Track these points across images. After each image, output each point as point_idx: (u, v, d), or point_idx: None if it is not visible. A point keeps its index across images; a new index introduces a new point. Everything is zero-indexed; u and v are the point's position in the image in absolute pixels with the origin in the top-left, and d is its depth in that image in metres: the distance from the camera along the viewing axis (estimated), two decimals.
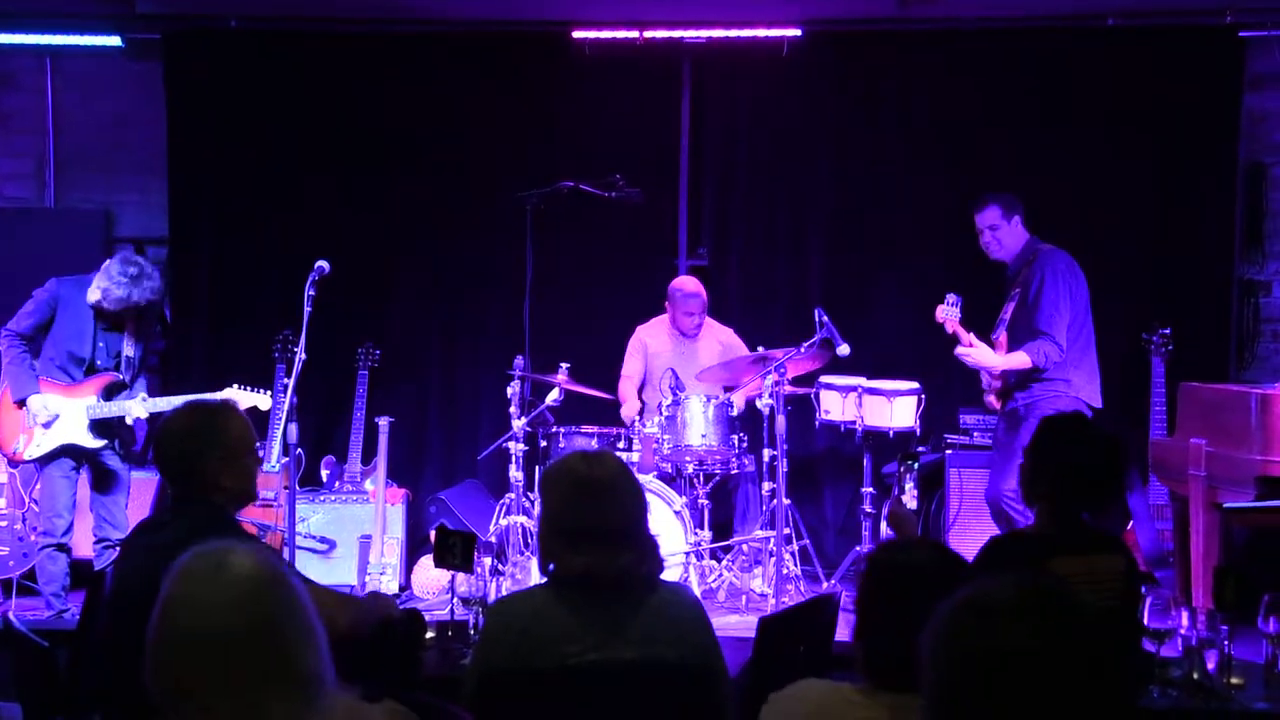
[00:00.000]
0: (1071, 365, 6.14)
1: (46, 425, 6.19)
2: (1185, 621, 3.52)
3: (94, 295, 6.17)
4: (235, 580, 2.02)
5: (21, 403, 6.21)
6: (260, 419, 6.71)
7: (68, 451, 6.26)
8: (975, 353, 6.16)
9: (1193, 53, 7.49)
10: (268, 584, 2.05)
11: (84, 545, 6.49)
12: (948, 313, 6.19)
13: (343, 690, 2.11)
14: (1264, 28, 7.34)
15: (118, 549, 6.21)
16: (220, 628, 1.99)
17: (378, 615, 3.48)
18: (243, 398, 6.36)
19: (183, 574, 2.06)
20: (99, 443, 6.27)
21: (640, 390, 7.49)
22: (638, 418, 7.11)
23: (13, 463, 6.44)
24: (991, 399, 6.37)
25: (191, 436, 3.46)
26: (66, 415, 6.22)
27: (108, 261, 6.24)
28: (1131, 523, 6.58)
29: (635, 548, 3.12)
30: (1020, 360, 6.07)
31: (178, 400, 6.23)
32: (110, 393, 6.28)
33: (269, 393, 6.54)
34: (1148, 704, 3.41)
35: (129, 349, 6.34)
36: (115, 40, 7.97)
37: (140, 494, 7.06)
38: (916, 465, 4.19)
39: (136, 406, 6.26)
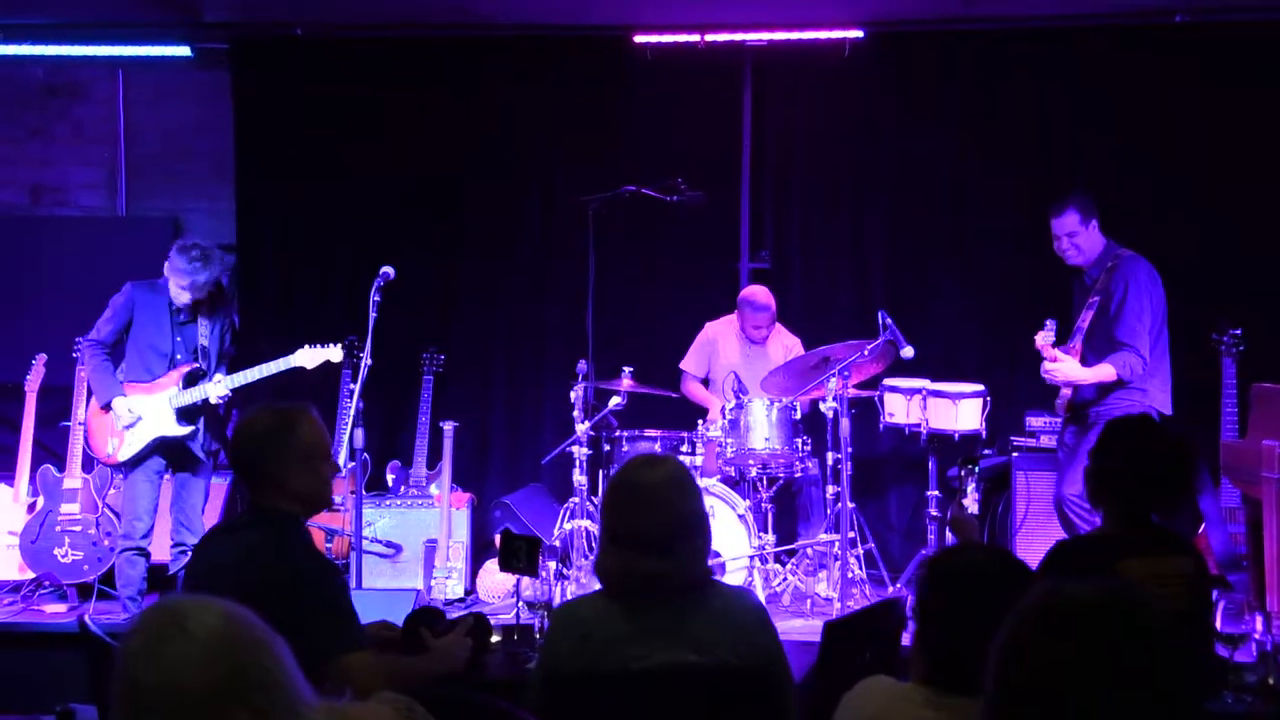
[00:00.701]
0: (1149, 375, 6.08)
1: (129, 427, 6.31)
2: (1259, 626, 3.48)
3: (181, 295, 6.31)
4: (167, 647, 1.89)
5: (107, 407, 6.33)
6: (328, 422, 6.76)
7: (158, 449, 6.38)
8: (1062, 368, 6.04)
9: (1261, 48, 7.37)
10: (232, 639, 1.92)
11: (160, 550, 6.58)
12: (1045, 338, 6.08)
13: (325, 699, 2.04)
14: None
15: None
16: (185, 684, 1.88)
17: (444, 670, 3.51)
18: (314, 355, 6.49)
19: (141, 629, 1.94)
20: (186, 429, 6.39)
21: (705, 387, 7.50)
22: (701, 421, 7.09)
23: (107, 465, 6.55)
24: (1061, 412, 6.27)
25: (264, 438, 3.48)
26: (151, 412, 6.34)
27: (169, 259, 6.34)
28: (1203, 525, 6.49)
29: (687, 550, 3.12)
30: (1106, 373, 6.00)
31: (254, 372, 6.37)
32: (190, 381, 6.39)
33: (339, 345, 6.60)
34: (1222, 709, 3.38)
35: (204, 339, 6.46)
36: (184, 50, 8.08)
37: (212, 498, 7.15)
38: (977, 469, 4.15)
39: (214, 387, 6.37)
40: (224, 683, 1.88)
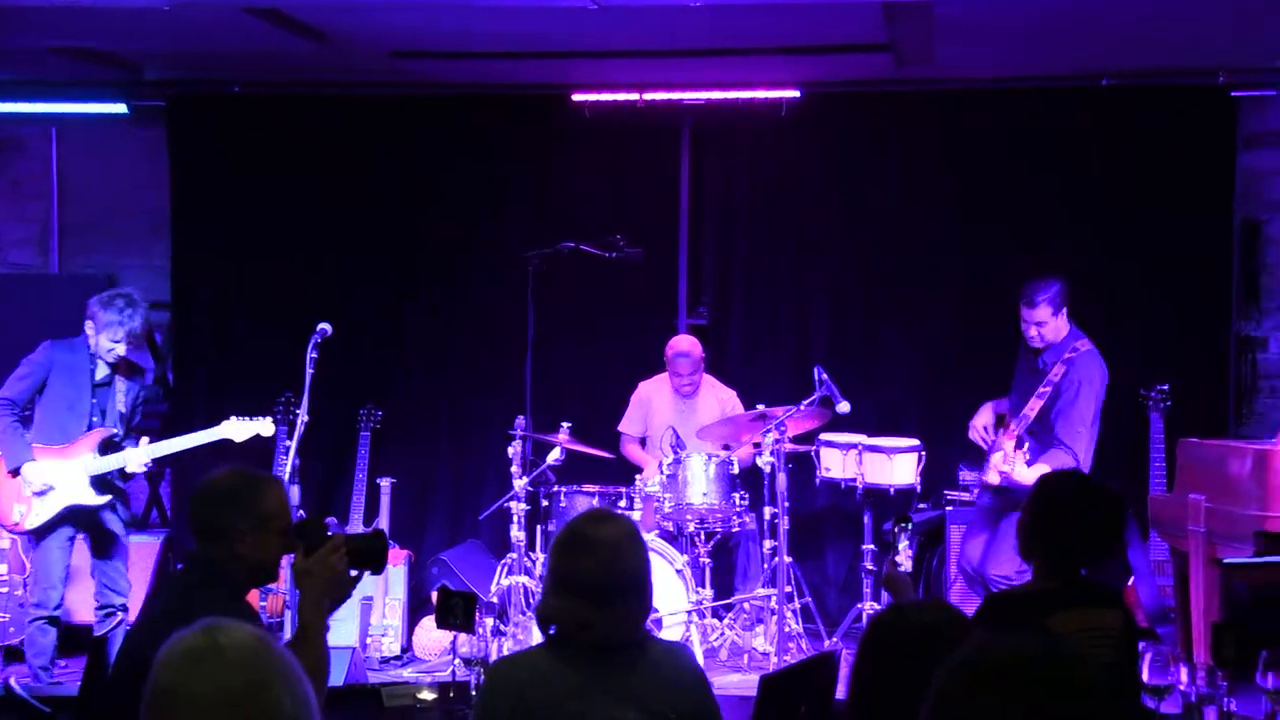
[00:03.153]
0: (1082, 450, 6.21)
1: (40, 494, 6.12)
2: (1184, 677, 3.52)
3: (116, 349, 6.15)
4: (215, 666, 1.95)
5: (15, 471, 6.13)
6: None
7: (69, 517, 6.19)
8: (1014, 470, 6.15)
9: (1187, 113, 7.55)
10: (262, 663, 1.98)
11: (82, 610, 6.48)
12: (990, 428, 6.20)
13: None
14: (1257, 88, 7.40)
15: (120, 614, 6.22)
16: (191, 711, 1.92)
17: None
18: (242, 428, 6.34)
19: (169, 649, 1.99)
20: (102, 499, 6.20)
21: (641, 446, 7.52)
22: (638, 476, 7.11)
23: (14, 533, 6.39)
24: (994, 476, 6.35)
25: (227, 498, 3.42)
26: (64, 479, 6.15)
27: (93, 313, 6.17)
28: (1133, 579, 6.57)
29: (631, 607, 3.14)
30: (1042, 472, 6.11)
31: (177, 442, 6.25)
32: (107, 448, 6.23)
33: (269, 419, 6.47)
34: None
35: (121, 404, 6.30)
36: (121, 108, 8.05)
37: (143, 558, 7.07)
38: (910, 526, 4.20)
39: (136, 454, 6.22)
40: (253, 705, 1.92)
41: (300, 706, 1.97)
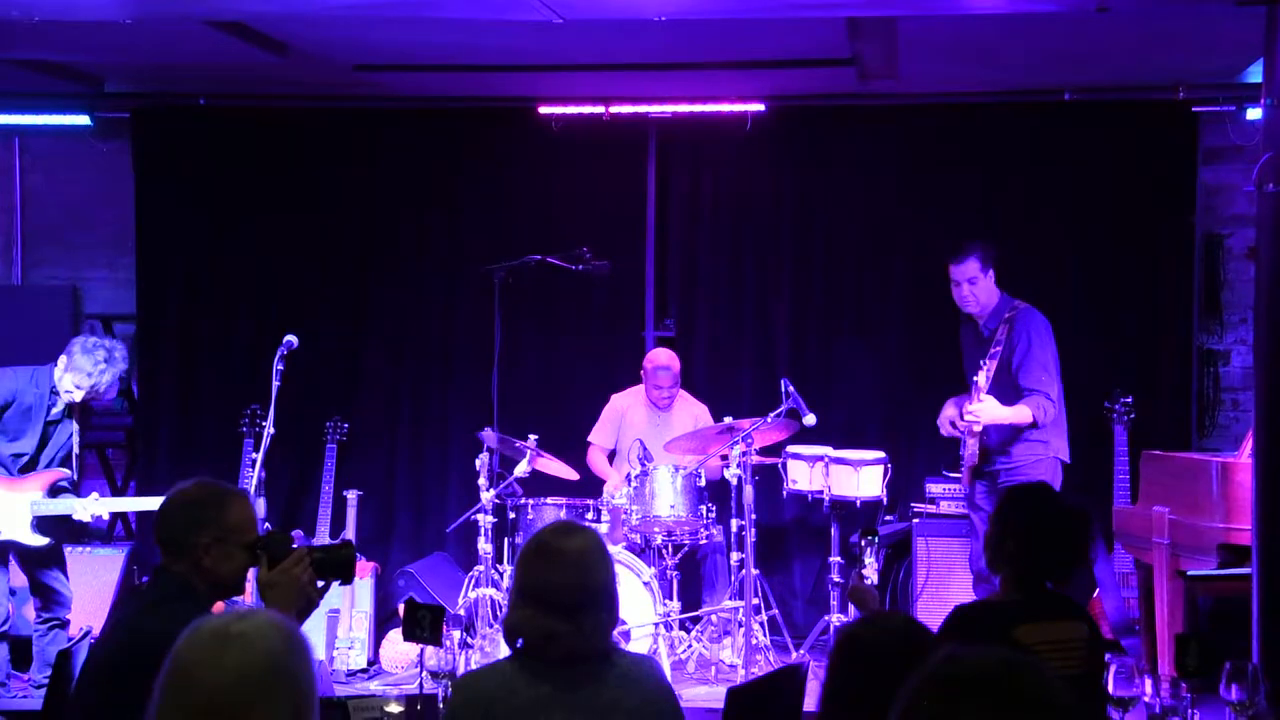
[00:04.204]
0: (1052, 425, 6.24)
1: None
2: (1149, 689, 3.55)
3: (74, 393, 6.03)
4: (232, 648, 2.03)
5: None
6: None
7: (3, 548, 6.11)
8: (985, 409, 6.16)
9: (1148, 127, 7.62)
10: (267, 660, 2.05)
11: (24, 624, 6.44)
12: (984, 379, 6.18)
13: None
14: (1216, 103, 7.47)
15: (64, 626, 6.15)
16: (209, 690, 1.99)
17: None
18: None
19: (191, 632, 2.06)
20: (40, 541, 6.07)
21: (610, 459, 7.52)
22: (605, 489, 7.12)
23: None
24: (966, 474, 6.37)
25: (192, 507, 3.41)
26: (7, 512, 6.03)
27: (70, 351, 6.08)
28: (1097, 591, 6.62)
29: (598, 619, 3.14)
30: (1022, 415, 6.15)
31: (129, 502, 6.16)
32: (56, 491, 6.13)
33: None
34: None
35: (76, 445, 6.20)
36: (84, 119, 8.00)
37: (107, 570, 7.02)
38: (876, 539, 4.22)
39: (85, 504, 6.09)
40: (270, 693, 2.01)
41: (314, 685, 2.06)
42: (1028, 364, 6.22)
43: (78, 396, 6.09)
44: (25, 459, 6.14)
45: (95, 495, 6.22)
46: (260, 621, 2.09)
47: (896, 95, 7.67)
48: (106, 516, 6.14)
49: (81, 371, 6.04)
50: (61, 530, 6.24)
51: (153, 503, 6.02)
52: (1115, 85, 7.50)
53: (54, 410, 6.16)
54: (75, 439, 6.21)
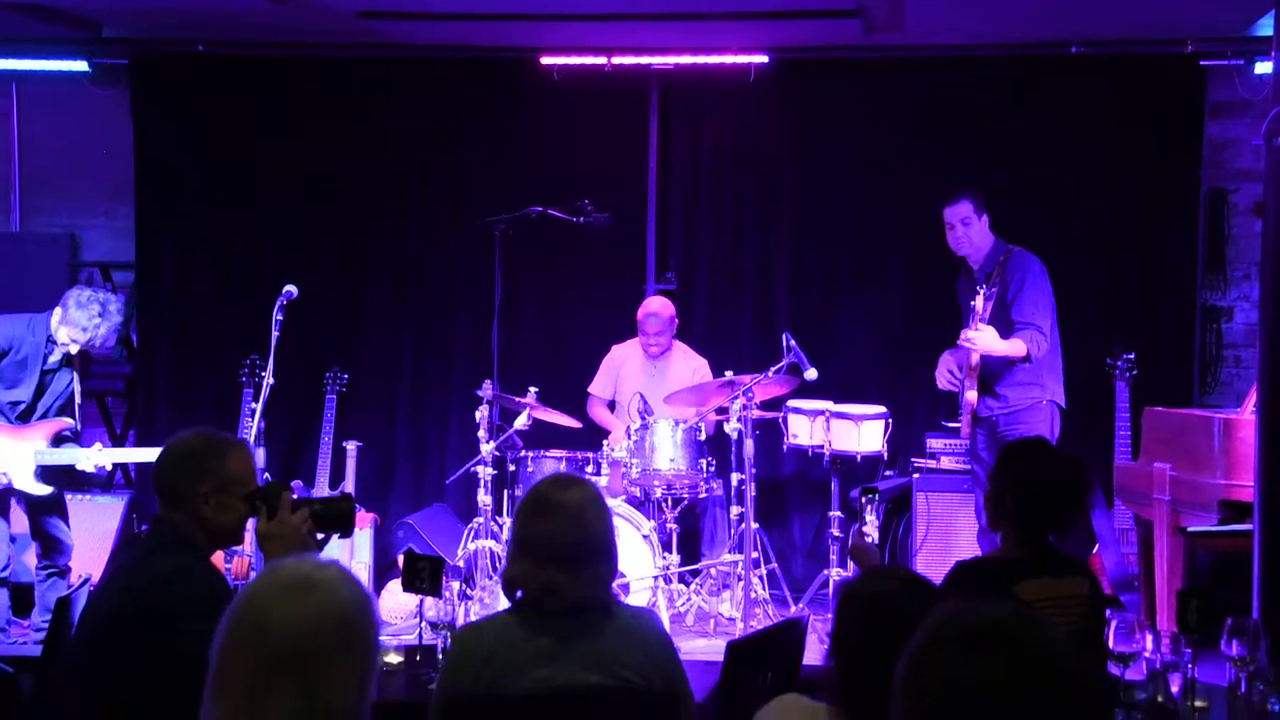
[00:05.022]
0: (1045, 369, 6.23)
1: None
2: (1149, 645, 3.54)
3: (69, 345, 6.06)
4: (312, 597, 2.02)
5: None
6: None
7: (5, 492, 6.13)
8: (982, 336, 6.13)
9: (1155, 81, 7.57)
10: (343, 611, 2.04)
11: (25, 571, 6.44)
12: (981, 301, 6.14)
13: None
14: (1224, 57, 7.41)
15: (65, 574, 6.18)
16: (282, 635, 1.98)
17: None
18: None
19: (266, 574, 2.06)
20: (44, 490, 6.10)
21: (611, 409, 7.52)
22: (605, 442, 7.11)
23: None
24: (966, 421, 6.35)
25: (191, 457, 3.41)
26: (9, 459, 6.05)
27: (65, 304, 6.08)
28: (1097, 547, 6.62)
29: (596, 571, 3.14)
30: (1017, 348, 6.13)
31: (133, 453, 6.16)
32: (59, 441, 6.14)
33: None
34: None
35: (78, 393, 6.22)
36: (82, 65, 7.94)
37: (106, 519, 7.02)
38: (876, 496, 4.21)
39: (90, 455, 6.11)
40: (336, 645, 2.00)
41: (379, 641, 2.09)
42: (1020, 299, 6.21)
43: (74, 349, 6.10)
44: (22, 407, 6.15)
45: (99, 445, 6.21)
46: (337, 573, 2.08)
47: (901, 48, 7.61)
48: (109, 467, 6.13)
49: (76, 325, 6.05)
50: (63, 479, 6.25)
51: (155, 454, 6.07)
52: (1122, 39, 7.44)
53: (50, 359, 6.16)
54: (76, 387, 6.22)
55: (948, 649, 1.83)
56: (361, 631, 2.03)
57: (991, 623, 1.84)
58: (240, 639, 1.98)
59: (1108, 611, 3.74)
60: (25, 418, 6.16)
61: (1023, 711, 1.77)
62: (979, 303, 6.15)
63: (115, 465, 7.40)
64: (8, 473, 6.04)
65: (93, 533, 6.80)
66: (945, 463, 7.18)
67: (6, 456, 6.05)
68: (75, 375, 6.22)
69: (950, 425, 6.97)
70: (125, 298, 7.90)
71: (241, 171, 8.02)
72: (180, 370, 8.00)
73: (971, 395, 6.26)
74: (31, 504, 6.20)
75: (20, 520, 6.32)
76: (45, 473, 6.10)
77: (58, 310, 6.11)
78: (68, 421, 6.19)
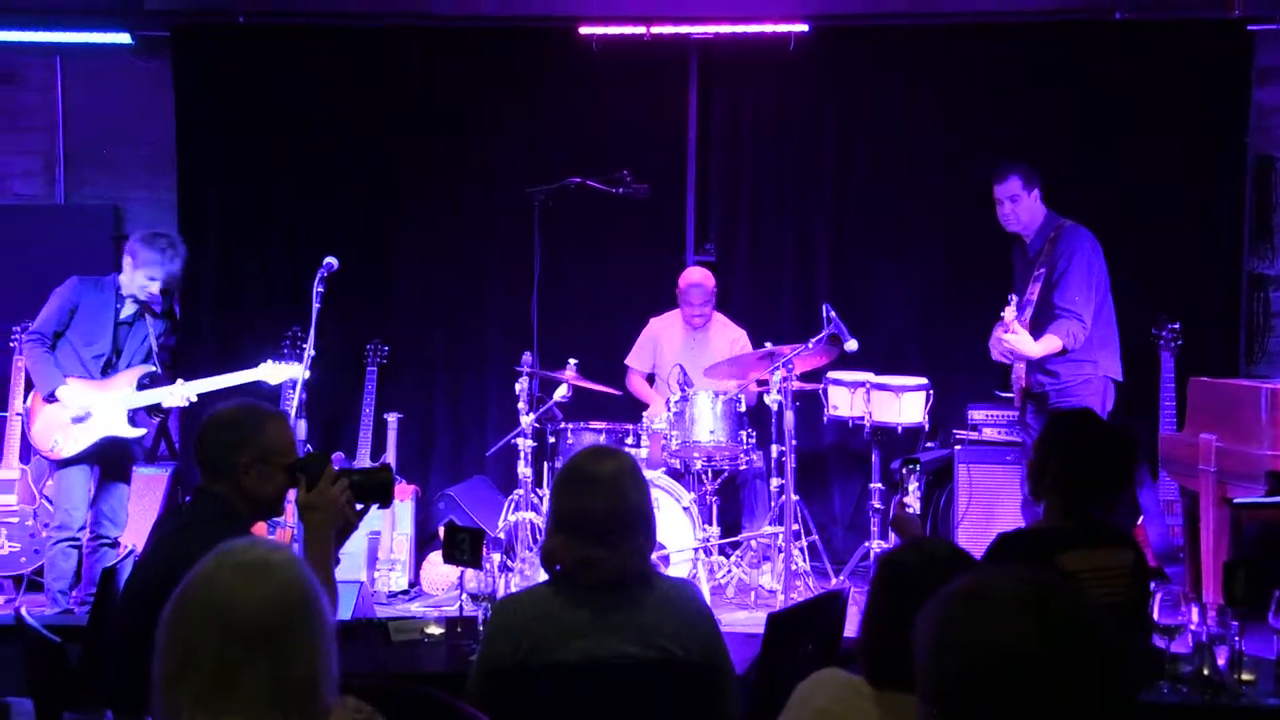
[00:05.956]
0: (1098, 344, 6.15)
1: (79, 420, 6.19)
2: (1195, 617, 3.51)
3: (150, 286, 6.22)
4: (273, 577, 2.05)
5: (51, 398, 6.20)
6: None
7: (102, 446, 6.26)
8: (1018, 340, 6.07)
9: (1201, 46, 7.46)
10: (302, 589, 2.07)
11: None
12: (1011, 312, 6.06)
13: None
14: (1272, 21, 7.31)
15: (115, 546, 6.27)
16: (249, 615, 2.01)
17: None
18: (278, 370, 6.43)
19: (222, 553, 2.09)
20: (138, 432, 6.32)
21: (650, 383, 7.51)
22: (645, 414, 7.10)
23: (47, 459, 6.41)
24: (1018, 395, 6.29)
25: (231, 428, 3.45)
26: (102, 408, 6.22)
27: (133, 251, 6.25)
28: (1142, 518, 6.57)
29: (634, 543, 3.13)
30: (1052, 345, 6.05)
31: (218, 380, 6.29)
32: (145, 384, 6.31)
33: (301, 365, 6.42)
34: (1158, 700, 3.41)
35: (153, 340, 6.37)
36: (124, 37, 7.97)
37: (151, 490, 7.10)
38: (918, 468, 4.18)
39: (175, 391, 6.27)
40: (281, 624, 2.02)
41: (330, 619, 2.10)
42: (1064, 283, 6.12)
43: (154, 289, 6.26)
44: (104, 359, 6.31)
45: (180, 381, 6.34)
46: (288, 554, 2.13)
47: (942, 14, 7.54)
48: (194, 399, 6.24)
49: (152, 263, 6.21)
50: (152, 421, 6.48)
51: (240, 377, 6.29)
52: (1168, 3, 7.33)
53: (123, 313, 6.32)
54: (152, 338, 6.36)
55: (973, 611, 1.81)
56: (319, 604, 2.07)
57: (1019, 587, 1.81)
58: (204, 621, 2.01)
59: (1152, 584, 3.71)
60: (108, 370, 6.32)
61: (1050, 680, 1.74)
62: (1009, 312, 6.04)
63: (159, 436, 7.46)
64: (101, 420, 6.20)
65: (137, 504, 6.86)
66: (988, 434, 7.14)
67: (96, 407, 6.21)
68: (151, 326, 6.35)
69: (1003, 395, 6.91)
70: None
71: (281, 143, 8.02)
72: (222, 342, 8.03)
73: (1021, 367, 6.21)
74: (106, 468, 6.34)
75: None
76: (135, 417, 6.30)
77: (126, 260, 6.27)
78: (146, 367, 6.34)
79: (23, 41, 8.04)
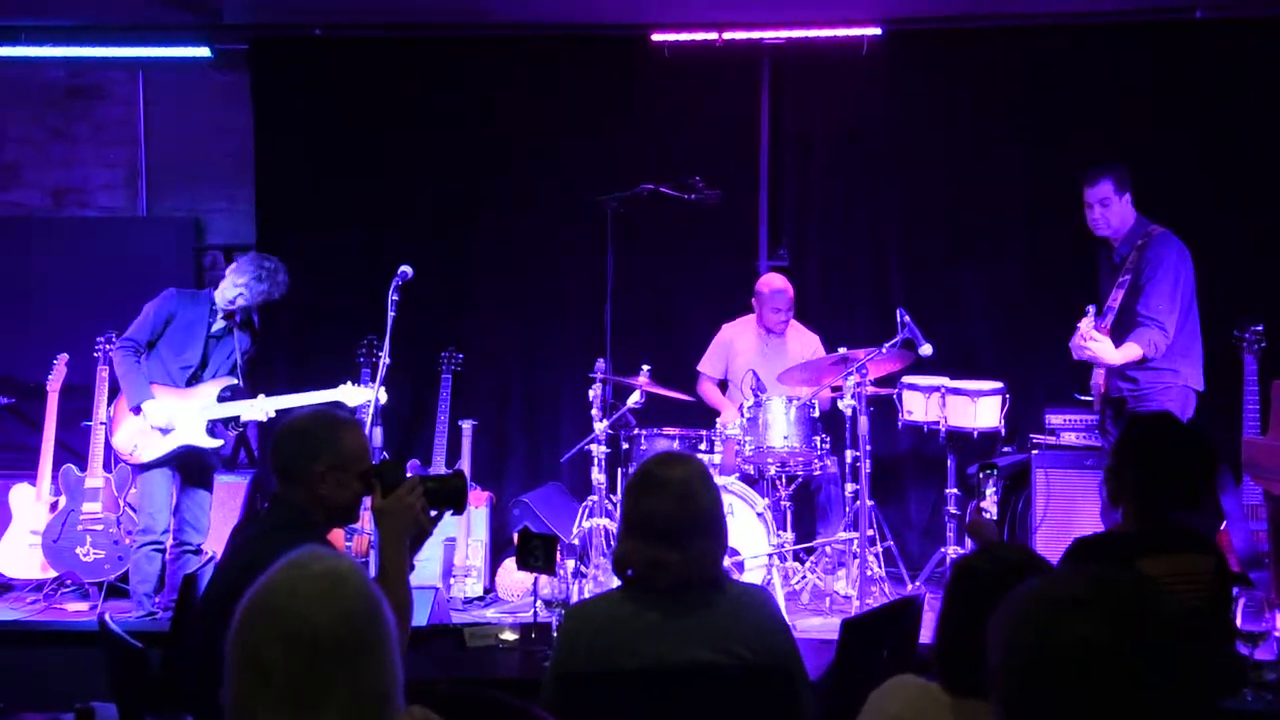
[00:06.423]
0: (1180, 354, 6.06)
1: (164, 431, 6.31)
2: (1279, 624, 3.45)
3: (232, 293, 6.36)
4: (344, 589, 2.03)
5: (138, 409, 6.31)
6: None
7: (182, 454, 6.38)
8: (1099, 348, 5.98)
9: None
10: (374, 599, 2.06)
11: None
12: (1089, 323, 5.98)
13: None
14: None
15: (198, 553, 6.37)
16: (318, 625, 1.99)
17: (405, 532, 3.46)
18: (358, 394, 6.49)
19: (292, 564, 2.07)
20: (215, 443, 6.43)
21: (722, 389, 7.50)
22: (718, 419, 7.09)
23: (129, 464, 6.55)
24: (1098, 400, 6.22)
25: (306, 436, 3.49)
26: (184, 418, 6.33)
27: (236, 263, 6.44)
28: (1225, 523, 6.46)
29: (704, 547, 3.13)
30: (1133, 353, 5.96)
31: (298, 398, 6.38)
32: (226, 396, 6.41)
33: (381, 387, 6.47)
34: (1241, 707, 3.36)
35: (240, 354, 6.49)
36: (204, 51, 8.10)
37: (231, 497, 7.20)
38: (995, 472, 4.13)
39: (255, 405, 6.38)
40: (348, 634, 2.00)
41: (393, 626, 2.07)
42: (1149, 291, 6.03)
43: (241, 300, 6.38)
44: (191, 370, 6.44)
45: (262, 396, 6.45)
46: (351, 562, 2.10)
47: (1017, 16, 7.48)
48: (274, 414, 6.34)
49: (245, 274, 6.36)
50: (230, 434, 6.61)
51: (319, 397, 6.36)
52: (1250, 0, 7.21)
53: (215, 327, 6.45)
54: (238, 352, 6.48)
55: (1046, 611, 1.79)
56: (385, 616, 2.06)
57: (1092, 587, 1.79)
58: (283, 638, 1.98)
59: (1235, 589, 3.64)
60: (193, 382, 6.44)
61: (1122, 679, 1.72)
62: (1086, 323, 5.95)
63: (239, 444, 7.57)
64: (182, 431, 6.31)
65: (217, 511, 6.95)
66: (1065, 439, 7.04)
67: (178, 416, 6.32)
68: (237, 341, 6.47)
69: (1083, 399, 6.82)
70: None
71: (357, 154, 8.11)
72: (299, 351, 8.13)
73: (1102, 371, 6.13)
74: (188, 475, 6.45)
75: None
76: (214, 428, 6.41)
77: (229, 272, 6.45)
78: (228, 380, 6.45)
79: (107, 57, 8.20)
